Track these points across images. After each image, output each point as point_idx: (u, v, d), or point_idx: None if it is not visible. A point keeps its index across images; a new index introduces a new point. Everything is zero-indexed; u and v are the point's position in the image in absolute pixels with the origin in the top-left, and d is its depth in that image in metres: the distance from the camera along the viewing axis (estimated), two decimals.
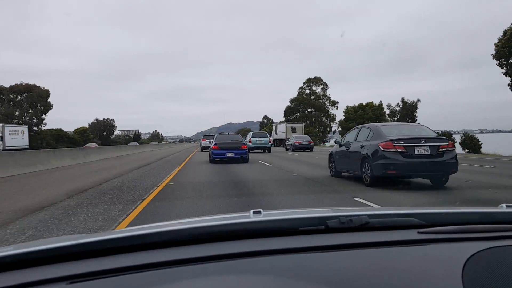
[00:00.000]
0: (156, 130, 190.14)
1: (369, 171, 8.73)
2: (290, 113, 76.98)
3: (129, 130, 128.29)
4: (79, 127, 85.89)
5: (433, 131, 9.71)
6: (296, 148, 31.76)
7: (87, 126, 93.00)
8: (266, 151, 28.98)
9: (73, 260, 0.94)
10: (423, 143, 8.28)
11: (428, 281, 0.86)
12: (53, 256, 0.95)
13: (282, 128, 50.61)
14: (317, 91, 77.28)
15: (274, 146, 41.70)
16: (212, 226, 1.12)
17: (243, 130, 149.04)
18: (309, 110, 76.89)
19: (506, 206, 1.29)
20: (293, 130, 47.59)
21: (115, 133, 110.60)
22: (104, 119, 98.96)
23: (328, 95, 77.52)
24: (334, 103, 76.85)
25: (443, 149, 8.35)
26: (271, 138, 33.68)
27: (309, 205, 6.59)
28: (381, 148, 8.39)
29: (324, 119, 77.34)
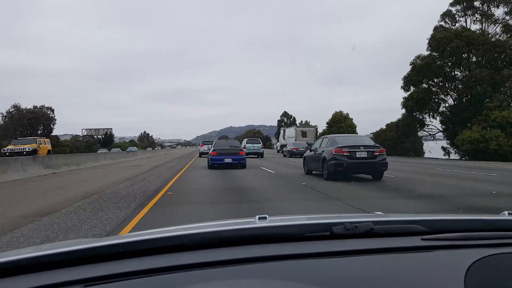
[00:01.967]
0: (145, 131, 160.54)
1: (326, 169, 12.28)
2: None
3: (97, 129, 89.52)
4: None
5: (373, 141, 13.31)
6: (293, 154, 32.65)
7: None
8: (259, 156, 32.58)
9: (88, 264, 0.97)
10: (362, 149, 11.85)
11: (431, 287, 0.88)
12: (68, 259, 0.98)
13: (291, 132, 46.59)
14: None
15: (280, 152, 40.77)
16: (219, 231, 1.16)
17: (252, 132, 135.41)
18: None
19: (508, 213, 1.32)
20: (304, 134, 44.10)
21: (82, 132, 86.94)
22: (36, 107, 60.68)
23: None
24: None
25: (377, 153, 11.92)
26: (278, 143, 35.36)
27: (277, 191, 10.09)
28: (334, 152, 11.94)
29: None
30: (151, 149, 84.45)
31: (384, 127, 44.70)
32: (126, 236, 1.18)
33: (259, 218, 1.22)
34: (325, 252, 1.04)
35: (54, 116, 62.67)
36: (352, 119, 61.44)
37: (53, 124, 62.31)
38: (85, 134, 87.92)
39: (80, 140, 72.39)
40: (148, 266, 0.94)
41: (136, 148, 74.26)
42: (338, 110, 61.72)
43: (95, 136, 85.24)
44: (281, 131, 50.50)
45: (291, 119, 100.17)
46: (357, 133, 49.25)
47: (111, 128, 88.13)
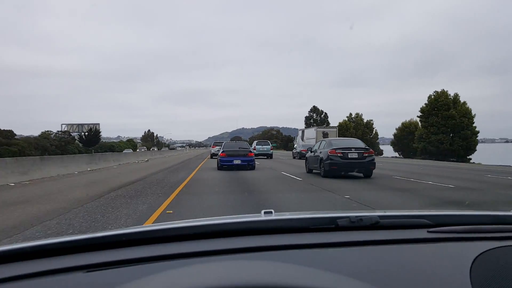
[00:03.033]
0: (149, 130, 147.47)
1: (322, 168, 14.23)
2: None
3: (81, 125, 65.84)
4: None
5: (364, 143, 15.22)
6: (302, 156, 32.07)
7: None
8: (268, 157, 34.68)
9: (90, 251, 1.00)
10: (353, 150, 13.78)
11: (437, 278, 0.88)
12: (70, 247, 1.01)
13: (311, 133, 42.23)
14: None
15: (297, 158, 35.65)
16: (226, 223, 1.19)
17: (270, 132, 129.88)
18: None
19: None
20: (325, 136, 39.48)
21: (61, 128, 63.30)
22: None
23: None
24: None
25: (366, 155, 13.84)
26: (295, 145, 34.44)
27: (281, 185, 12.07)
28: (329, 153, 13.88)
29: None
30: (156, 149, 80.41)
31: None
32: (145, 226, 1.22)
33: (265, 212, 1.24)
34: (330, 242, 1.04)
35: None
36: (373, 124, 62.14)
37: None
38: (65, 129, 64.78)
39: (50, 138, 55.28)
40: (153, 253, 0.97)
41: (131, 150, 68.78)
42: (358, 113, 62.06)
43: (75, 134, 63.60)
44: (299, 132, 45.92)
45: (322, 115, 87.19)
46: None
47: (98, 124, 67.17)
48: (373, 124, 72.82)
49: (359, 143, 15.03)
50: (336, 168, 13.76)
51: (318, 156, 14.85)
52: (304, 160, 17.69)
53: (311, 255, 0.99)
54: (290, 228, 1.15)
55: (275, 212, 1.25)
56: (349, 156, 13.72)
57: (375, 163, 14.14)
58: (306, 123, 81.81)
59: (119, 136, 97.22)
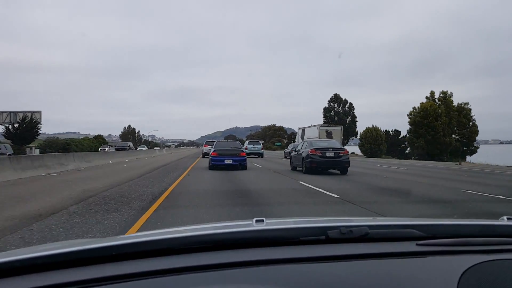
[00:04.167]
0: (130, 126, 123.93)
1: (304, 165, 16.10)
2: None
3: (14, 113, 46.46)
4: None
5: (341, 144, 17.13)
6: None
7: None
8: (259, 156, 36.69)
9: (79, 266, 0.97)
10: (330, 150, 15.66)
11: None
12: (59, 261, 0.97)
13: (313, 132, 40.63)
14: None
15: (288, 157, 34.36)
16: (215, 234, 1.17)
17: (272, 129, 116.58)
18: None
19: (507, 218, 1.32)
20: (329, 135, 38.83)
21: None
22: None
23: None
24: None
25: (342, 154, 15.74)
26: (291, 145, 34.32)
27: (269, 179, 13.89)
28: (310, 153, 15.75)
29: None
30: (130, 146, 63.32)
31: None
32: (120, 238, 1.18)
33: (256, 221, 1.25)
34: (320, 256, 1.05)
35: None
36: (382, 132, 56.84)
37: None
38: None
39: None
40: (139, 269, 0.94)
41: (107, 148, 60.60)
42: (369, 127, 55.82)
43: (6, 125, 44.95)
44: (299, 131, 43.59)
45: (346, 106, 68.07)
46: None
47: (39, 111, 48.17)
48: (470, 109, 53.30)
49: (336, 144, 16.99)
50: (315, 166, 15.63)
51: (301, 155, 16.72)
52: (289, 159, 19.58)
53: (302, 270, 0.98)
54: (281, 238, 1.15)
55: (266, 220, 1.27)
56: (327, 155, 15.61)
57: (349, 161, 16.04)
58: (325, 116, 67.28)
59: (99, 135, 78.49)
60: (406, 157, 54.52)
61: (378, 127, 57.49)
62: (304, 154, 16.26)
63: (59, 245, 1.16)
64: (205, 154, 32.63)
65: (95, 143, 67.80)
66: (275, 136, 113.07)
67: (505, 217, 1.33)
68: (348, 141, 63.29)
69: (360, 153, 56.69)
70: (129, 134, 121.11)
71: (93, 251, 1.03)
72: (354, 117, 68.18)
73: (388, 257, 1.08)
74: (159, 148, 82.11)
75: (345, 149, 16.31)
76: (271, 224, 1.27)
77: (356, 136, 64.67)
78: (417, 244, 1.14)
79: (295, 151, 18.44)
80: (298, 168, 17.87)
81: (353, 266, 1.02)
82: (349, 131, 63.68)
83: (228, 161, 17.77)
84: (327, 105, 69.04)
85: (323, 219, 1.47)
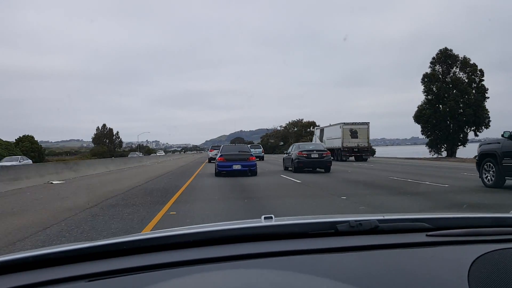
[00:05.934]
0: (104, 125, 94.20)
1: (293, 165, 19.36)
2: None
3: None
4: None
5: (324, 146, 20.36)
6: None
7: None
8: (260, 159, 39.91)
9: (92, 260, 1.01)
10: (315, 152, 18.92)
11: (435, 281, 0.90)
12: (72, 256, 1.02)
13: (334, 131, 35.44)
14: None
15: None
16: (227, 229, 1.20)
17: (300, 124, 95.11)
18: None
19: None
20: (353, 135, 33.68)
21: None
22: None
23: None
24: None
25: (324, 155, 19.00)
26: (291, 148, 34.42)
27: (264, 175, 17.06)
28: (297, 155, 19.02)
29: None
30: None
31: None
32: (143, 234, 1.21)
33: (265, 218, 1.25)
34: (330, 248, 1.06)
35: None
36: None
37: None
38: None
39: None
40: (155, 261, 0.98)
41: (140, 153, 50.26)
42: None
43: None
44: (316, 131, 37.93)
45: (468, 69, 41.55)
46: None
47: None
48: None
49: (320, 147, 20.42)
50: (302, 165, 18.86)
51: (291, 156, 19.95)
52: (282, 160, 22.86)
53: (311, 260, 0.99)
54: (290, 233, 1.17)
55: (273, 214, 1.30)
56: (312, 156, 18.85)
57: (331, 161, 19.30)
58: (426, 89, 42.82)
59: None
60: None
61: None
62: (293, 156, 19.49)
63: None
64: (211, 159, 32.20)
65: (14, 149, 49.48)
66: (304, 135, 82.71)
67: None
68: (476, 134, 41.53)
69: None
70: (104, 136, 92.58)
71: (101, 247, 1.07)
72: (483, 89, 41.04)
73: (398, 248, 1.09)
74: (141, 154, 72.14)
75: (326, 150, 19.60)
76: (279, 220, 1.28)
77: (486, 126, 40.87)
78: (427, 235, 1.15)
79: (286, 154, 21.69)
80: (289, 168, 21.10)
81: (363, 256, 1.03)
82: (477, 114, 39.86)
83: (237, 167, 16.72)
84: (428, 70, 43.30)
85: (332, 216, 1.41)
